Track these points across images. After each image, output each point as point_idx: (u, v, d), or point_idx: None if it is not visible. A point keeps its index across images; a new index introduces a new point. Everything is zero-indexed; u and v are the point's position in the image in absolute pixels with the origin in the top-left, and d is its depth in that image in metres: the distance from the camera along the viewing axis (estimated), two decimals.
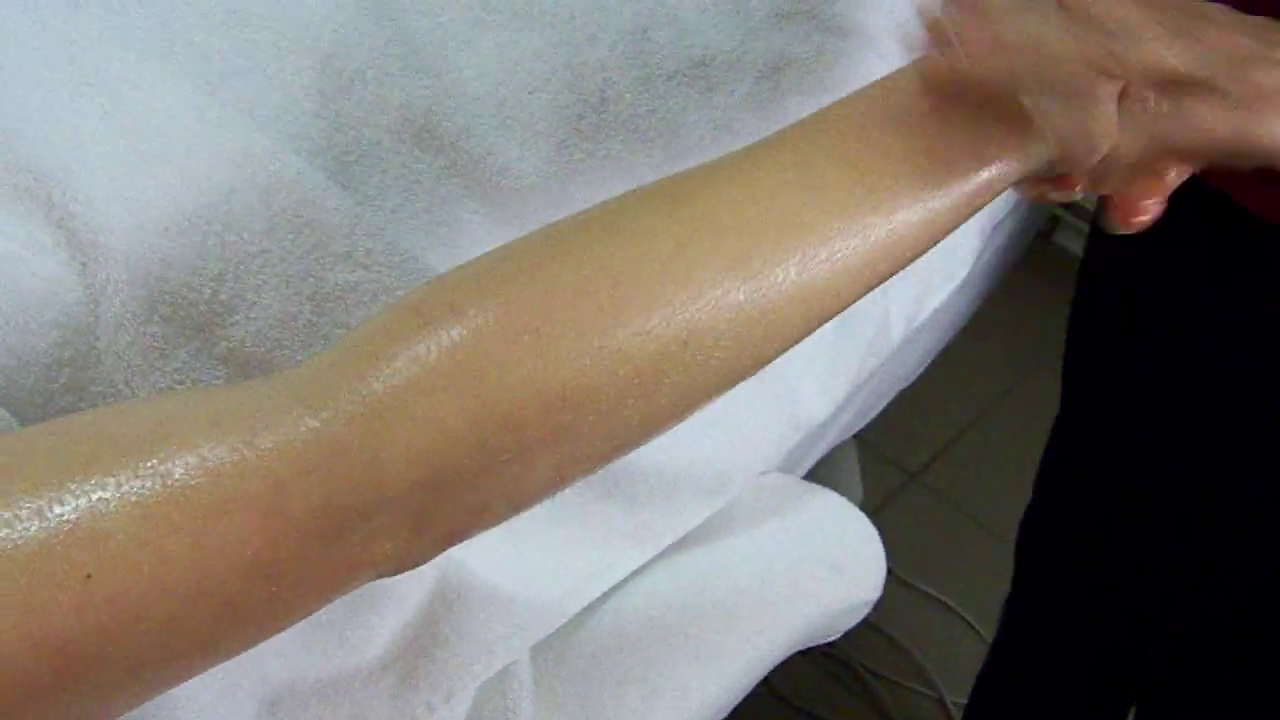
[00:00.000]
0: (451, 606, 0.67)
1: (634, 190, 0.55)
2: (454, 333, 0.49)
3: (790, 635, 0.82)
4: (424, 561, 0.53)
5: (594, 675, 0.76)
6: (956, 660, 1.56)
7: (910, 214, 0.54)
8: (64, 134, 0.57)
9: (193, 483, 0.46)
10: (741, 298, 0.52)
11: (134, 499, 0.45)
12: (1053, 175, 0.57)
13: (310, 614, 0.53)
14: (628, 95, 0.72)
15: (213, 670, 0.62)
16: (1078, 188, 0.58)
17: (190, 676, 0.51)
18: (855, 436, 1.07)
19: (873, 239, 0.54)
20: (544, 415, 0.50)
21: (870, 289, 0.55)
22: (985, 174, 0.55)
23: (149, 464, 0.46)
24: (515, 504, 0.54)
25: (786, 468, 0.91)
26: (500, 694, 0.69)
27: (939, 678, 1.54)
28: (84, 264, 0.56)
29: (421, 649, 0.67)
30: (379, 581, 0.66)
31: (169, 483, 0.45)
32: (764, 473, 0.86)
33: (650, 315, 0.51)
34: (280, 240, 0.60)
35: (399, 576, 0.65)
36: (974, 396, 1.83)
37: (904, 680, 1.53)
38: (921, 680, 1.54)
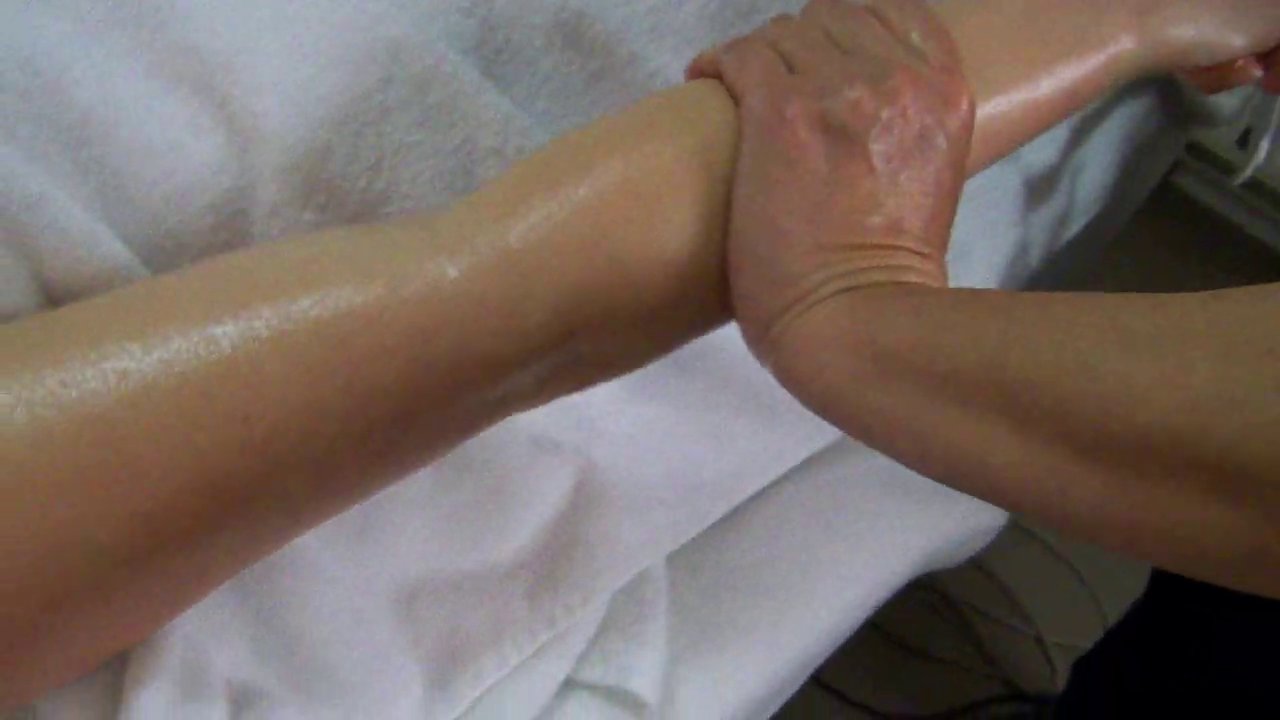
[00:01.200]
0: (590, 510, 0.67)
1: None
2: (581, 192, 0.51)
3: (915, 558, 0.82)
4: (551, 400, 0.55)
5: (726, 587, 0.76)
6: (1056, 600, 1.55)
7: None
8: (231, 21, 0.57)
9: (345, 330, 0.47)
10: None
11: (289, 344, 0.46)
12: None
13: (449, 452, 0.55)
14: (777, 3, 0.71)
15: (348, 564, 0.63)
16: None
17: (336, 514, 0.53)
18: None
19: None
20: (664, 280, 0.52)
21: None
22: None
23: (301, 308, 0.47)
24: (636, 361, 0.56)
25: None
26: (636, 600, 0.69)
27: (1038, 617, 1.53)
28: (242, 149, 0.56)
29: (559, 551, 0.67)
30: (517, 479, 0.66)
31: (323, 330, 0.47)
32: None
33: None
34: (433, 133, 0.60)
35: (538, 478, 0.66)
36: None
37: (1003, 618, 1.52)
38: (1020, 618, 1.53)
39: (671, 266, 0.52)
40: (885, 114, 0.50)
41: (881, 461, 0.81)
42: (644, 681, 0.67)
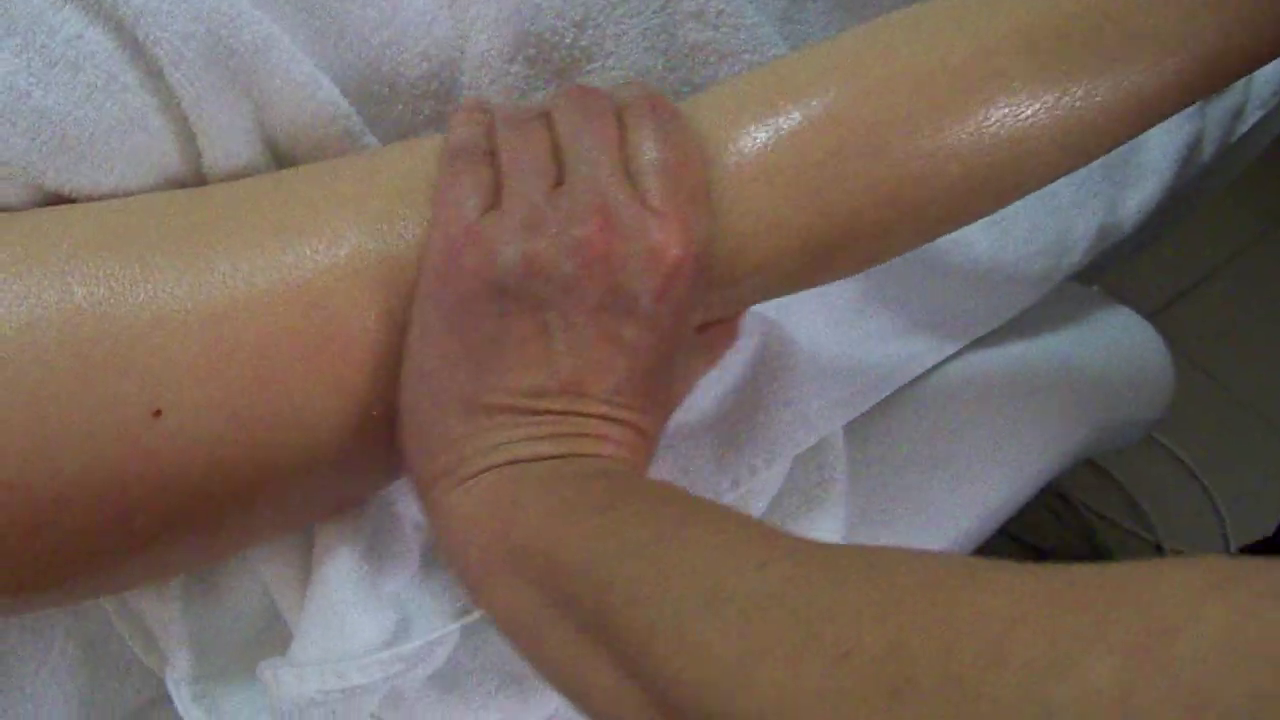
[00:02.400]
0: (774, 375, 0.67)
1: None
2: (793, 118, 0.49)
3: (1081, 442, 0.82)
4: None
5: (901, 458, 0.76)
6: (1177, 508, 1.54)
7: None
8: None
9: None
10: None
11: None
12: None
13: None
14: None
15: None
16: None
17: None
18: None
19: None
20: (874, 208, 0.50)
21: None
22: None
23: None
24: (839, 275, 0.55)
25: (1084, 279, 0.89)
26: (817, 466, 0.69)
27: (1158, 524, 1.53)
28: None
29: (744, 413, 0.67)
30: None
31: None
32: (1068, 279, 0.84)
33: (984, 115, 0.50)
34: None
35: None
36: (1217, 247, 1.76)
37: (1122, 521, 1.52)
38: (1141, 523, 1.52)
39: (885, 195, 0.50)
40: (567, 269, 0.45)
41: (1053, 344, 0.81)
42: None
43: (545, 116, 0.49)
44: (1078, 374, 0.82)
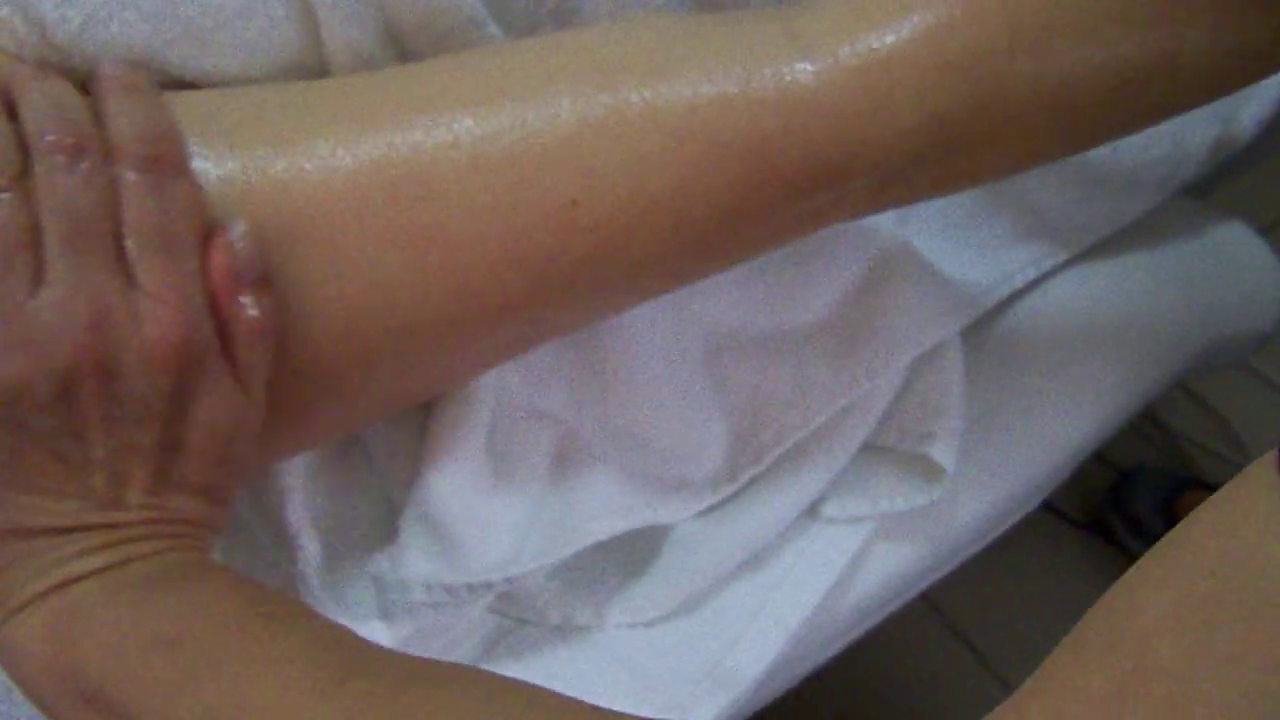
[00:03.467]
0: (890, 279, 0.67)
1: None
2: (957, 13, 0.47)
3: (1191, 351, 0.81)
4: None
5: (1015, 365, 0.76)
6: (1272, 432, 1.53)
7: None
8: None
9: (683, 125, 0.46)
10: None
11: (625, 132, 0.45)
12: None
13: (769, 252, 0.54)
14: None
15: (663, 317, 0.65)
16: None
17: (647, 300, 0.53)
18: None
19: None
20: (1028, 103, 0.48)
21: None
22: None
23: (643, 97, 0.46)
24: (975, 180, 0.53)
25: (1199, 192, 0.88)
26: (934, 370, 0.69)
27: (1253, 449, 1.52)
28: None
29: (861, 316, 0.67)
30: (821, 246, 0.67)
31: (662, 122, 0.45)
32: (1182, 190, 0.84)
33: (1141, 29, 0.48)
34: None
35: (843, 247, 0.66)
36: None
37: (1217, 447, 1.51)
38: (1234, 448, 1.51)
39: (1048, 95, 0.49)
40: (57, 390, 0.40)
41: (1166, 255, 0.80)
42: (942, 449, 0.67)
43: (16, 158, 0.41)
44: (1189, 286, 0.82)
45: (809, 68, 0.46)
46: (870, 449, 0.70)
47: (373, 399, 0.51)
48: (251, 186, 0.44)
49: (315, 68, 0.52)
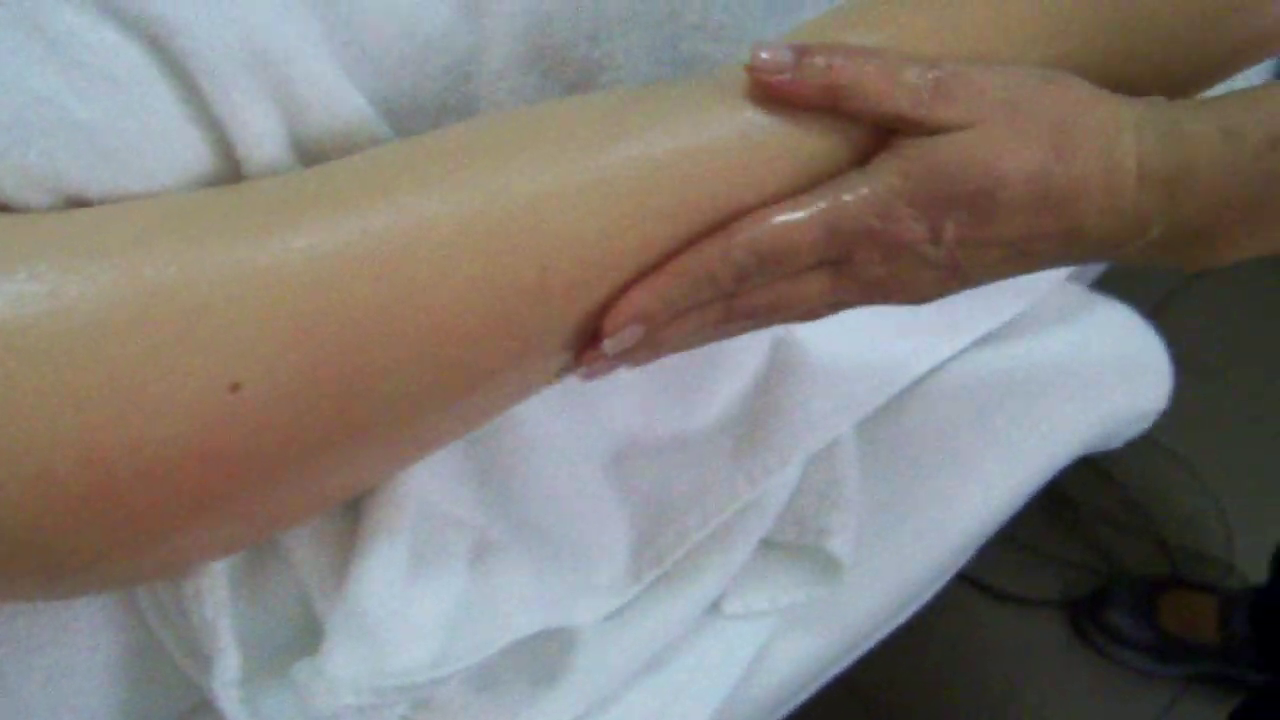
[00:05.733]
0: (785, 379, 0.69)
1: None
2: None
3: (1082, 436, 0.84)
4: None
5: (908, 458, 0.78)
6: (1180, 507, 1.57)
7: None
8: None
9: (648, 181, 0.48)
10: None
11: (588, 195, 0.48)
12: None
13: None
14: None
15: (565, 425, 0.66)
16: None
17: None
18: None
19: None
20: None
21: None
22: None
23: (603, 158, 0.48)
24: None
25: (1073, 279, 0.92)
26: (829, 465, 0.71)
27: (1161, 522, 1.55)
28: (473, 12, 0.58)
29: (758, 416, 0.69)
30: (719, 350, 0.69)
31: (624, 180, 0.48)
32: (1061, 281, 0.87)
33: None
34: (643, 6, 0.62)
35: (739, 350, 0.68)
36: None
37: (1127, 522, 1.54)
38: (1143, 522, 1.55)
39: None
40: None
41: (1052, 342, 0.83)
42: (839, 542, 0.69)
43: None
44: (1077, 370, 0.84)
45: (753, 112, 0.49)
46: (769, 544, 0.72)
47: (322, 484, 0.52)
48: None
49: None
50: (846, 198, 0.49)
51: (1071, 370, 0.84)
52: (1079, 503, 1.54)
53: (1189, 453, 1.59)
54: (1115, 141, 0.48)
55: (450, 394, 0.50)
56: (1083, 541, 1.53)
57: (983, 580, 1.48)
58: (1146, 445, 1.56)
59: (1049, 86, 0.49)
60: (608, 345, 0.50)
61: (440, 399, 0.49)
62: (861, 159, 0.50)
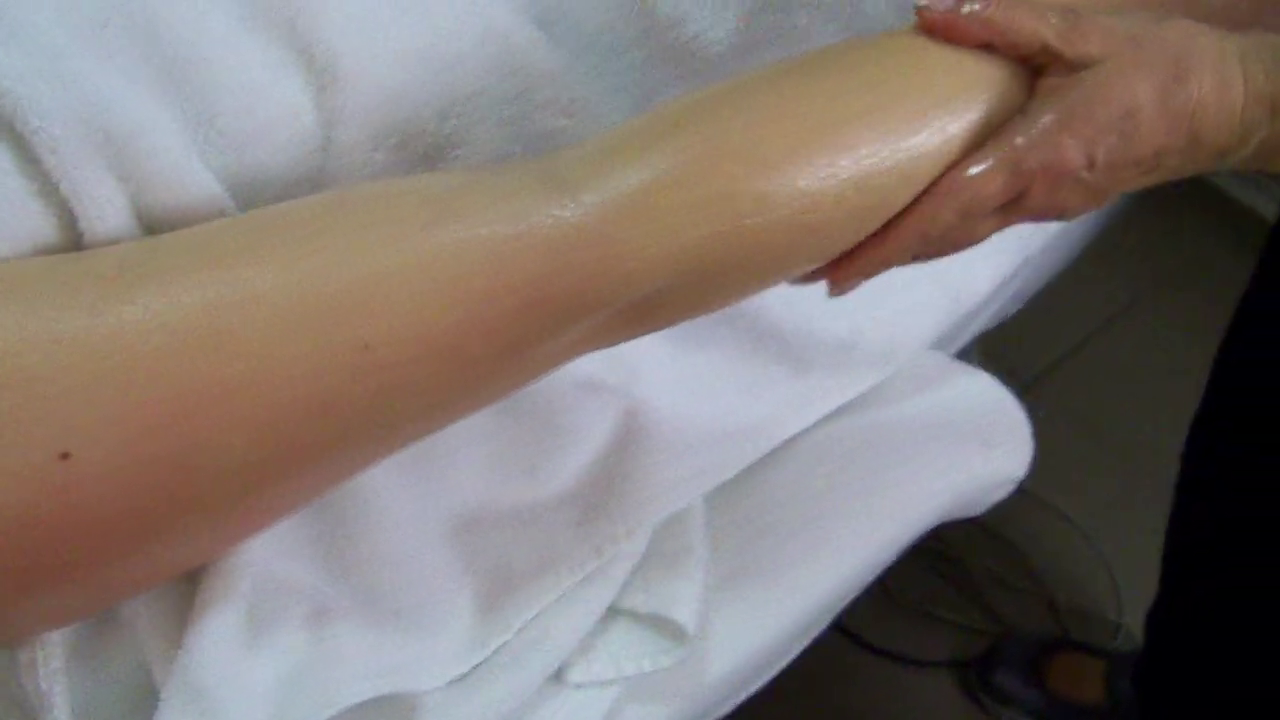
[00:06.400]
0: (634, 448, 0.70)
1: (825, 47, 0.58)
2: (702, 145, 0.52)
3: (941, 504, 0.85)
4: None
5: (759, 526, 0.79)
6: (1067, 564, 1.59)
7: None
8: None
9: (463, 267, 0.49)
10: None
11: (408, 278, 0.48)
12: None
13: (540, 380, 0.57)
14: None
15: (409, 493, 0.67)
16: None
17: (433, 433, 0.56)
18: (975, 343, 1.09)
19: None
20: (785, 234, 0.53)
21: None
22: None
23: (426, 245, 0.49)
24: (710, 308, 0.58)
25: (939, 347, 0.93)
26: (677, 534, 0.72)
27: (1049, 582, 1.57)
28: (321, 89, 0.59)
29: (606, 485, 0.70)
30: (568, 419, 0.69)
31: (442, 265, 0.49)
32: (921, 350, 0.88)
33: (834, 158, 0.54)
34: (495, 83, 0.63)
35: (586, 417, 0.69)
36: (1092, 310, 1.84)
37: (1015, 583, 1.56)
38: (1032, 583, 1.56)
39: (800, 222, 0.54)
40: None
41: (909, 410, 0.85)
42: (685, 611, 0.70)
43: None
44: (934, 438, 0.86)
45: (572, 209, 0.51)
46: (615, 611, 0.72)
47: (159, 558, 0.52)
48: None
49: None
50: (1019, 140, 0.55)
51: (928, 438, 0.86)
52: (969, 564, 1.55)
53: (1079, 513, 1.62)
54: (1224, 65, 0.56)
55: (281, 470, 0.50)
56: (973, 603, 1.54)
57: (872, 641, 1.49)
58: (1037, 506, 1.59)
59: (1163, 25, 0.57)
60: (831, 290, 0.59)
61: (271, 475, 0.50)
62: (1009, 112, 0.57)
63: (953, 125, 0.55)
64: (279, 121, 0.58)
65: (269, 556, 0.62)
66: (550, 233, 0.50)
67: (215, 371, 0.46)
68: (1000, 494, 0.92)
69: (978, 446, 0.88)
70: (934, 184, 0.55)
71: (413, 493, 0.66)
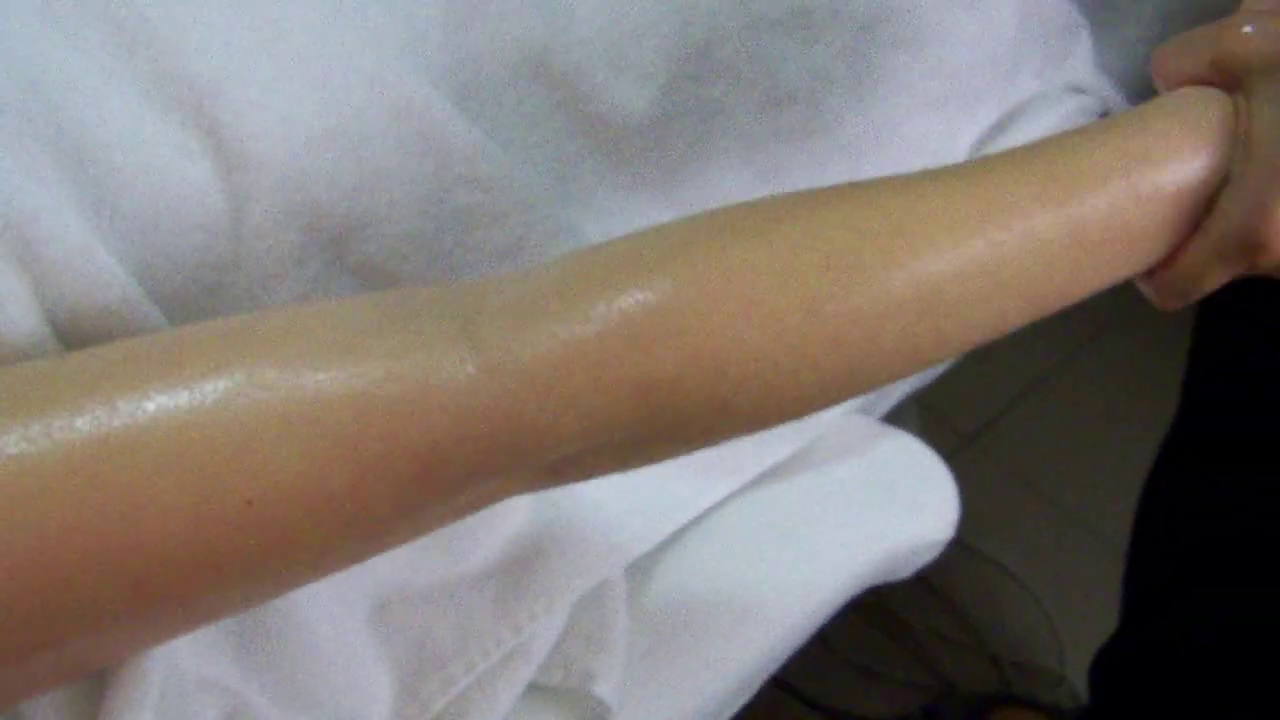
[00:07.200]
0: (553, 522, 0.70)
1: (819, 189, 0.55)
2: (630, 307, 0.49)
3: (868, 568, 0.85)
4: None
5: (682, 597, 0.79)
6: (1008, 618, 1.59)
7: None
8: (217, 46, 0.59)
9: (360, 428, 0.46)
10: None
11: (299, 433, 0.46)
12: None
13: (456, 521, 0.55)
14: (732, 41, 0.74)
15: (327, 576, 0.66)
16: None
17: (320, 579, 0.54)
18: (913, 398, 1.09)
19: None
20: (704, 392, 0.50)
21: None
22: None
23: (320, 395, 0.46)
24: (639, 466, 0.55)
25: (864, 409, 0.94)
26: (598, 607, 0.72)
27: (991, 637, 1.57)
28: (229, 170, 0.58)
29: (524, 560, 0.70)
30: None
31: (337, 423, 0.46)
32: (845, 413, 0.88)
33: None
34: (408, 160, 0.62)
35: None
36: (1032, 362, 1.85)
37: (957, 638, 1.56)
38: (974, 638, 1.57)
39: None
40: None
41: (832, 475, 0.85)
42: (606, 686, 0.69)
43: None
44: (858, 503, 0.86)
45: (480, 370, 0.48)
46: (535, 688, 0.71)
47: (56, 668, 0.50)
48: None
49: None
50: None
51: (852, 503, 0.86)
52: (910, 619, 1.55)
53: (1021, 567, 1.62)
54: None
55: (156, 620, 0.48)
56: (914, 657, 1.54)
57: (811, 697, 1.49)
58: (978, 560, 1.60)
59: None
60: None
61: (144, 624, 0.48)
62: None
63: None
64: (186, 203, 0.58)
65: (181, 653, 0.61)
66: (457, 398, 0.47)
67: (84, 520, 0.44)
68: (928, 556, 0.92)
69: (904, 510, 0.88)
70: None
71: (331, 577, 0.65)
